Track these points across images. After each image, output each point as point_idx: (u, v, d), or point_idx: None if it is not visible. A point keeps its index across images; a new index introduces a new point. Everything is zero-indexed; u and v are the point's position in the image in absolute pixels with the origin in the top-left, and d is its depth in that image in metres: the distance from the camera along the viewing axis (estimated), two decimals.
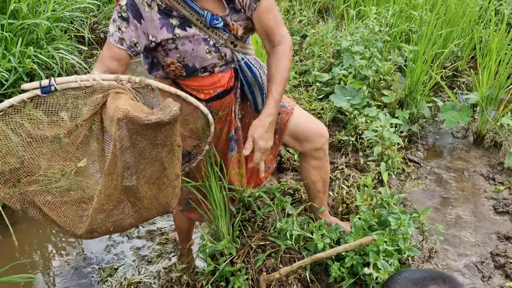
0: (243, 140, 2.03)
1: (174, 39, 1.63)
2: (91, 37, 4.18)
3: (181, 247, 2.51)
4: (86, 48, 3.82)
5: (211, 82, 1.79)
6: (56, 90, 1.25)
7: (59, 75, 3.35)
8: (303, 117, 2.06)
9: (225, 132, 2.02)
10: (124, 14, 1.53)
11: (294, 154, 2.86)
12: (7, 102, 1.21)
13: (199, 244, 2.21)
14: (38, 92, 1.23)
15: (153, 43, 1.61)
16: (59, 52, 3.19)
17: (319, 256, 1.82)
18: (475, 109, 3.47)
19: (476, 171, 3.00)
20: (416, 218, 2.10)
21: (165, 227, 2.69)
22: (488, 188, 2.86)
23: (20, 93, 1.25)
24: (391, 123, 2.88)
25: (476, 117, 3.39)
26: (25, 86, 1.23)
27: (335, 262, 2.03)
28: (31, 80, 3.05)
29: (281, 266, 2.07)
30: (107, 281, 2.36)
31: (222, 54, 1.75)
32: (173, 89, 1.45)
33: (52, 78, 1.26)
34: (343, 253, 2.00)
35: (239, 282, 2.04)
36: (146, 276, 2.39)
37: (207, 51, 1.70)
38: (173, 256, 2.51)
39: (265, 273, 2.04)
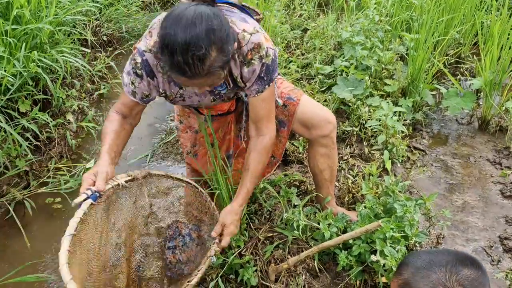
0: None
1: (182, 94, 1.78)
2: (94, 39, 4.21)
3: None
4: (89, 51, 3.85)
5: (212, 107, 1.97)
6: (100, 195, 1.56)
7: (64, 78, 3.39)
8: (310, 105, 2.10)
9: (224, 150, 2.10)
10: (138, 71, 1.64)
11: (299, 147, 2.88)
12: (81, 212, 1.52)
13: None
14: (91, 201, 1.53)
15: (163, 95, 1.77)
16: (63, 56, 3.22)
17: (326, 245, 1.83)
18: (479, 94, 3.46)
19: (482, 157, 2.99)
20: (422, 204, 2.11)
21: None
22: (494, 172, 2.85)
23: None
24: (394, 112, 2.88)
25: (480, 103, 3.38)
26: (76, 200, 1.53)
27: (343, 251, 2.04)
28: (36, 85, 3.09)
29: (289, 256, 2.09)
30: (118, 278, 2.39)
31: (226, 98, 1.87)
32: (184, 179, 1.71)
33: (93, 187, 1.55)
34: (350, 242, 2.01)
35: (248, 273, 2.06)
36: (156, 272, 2.41)
37: (212, 100, 1.85)
38: None
39: (273, 264, 2.06)
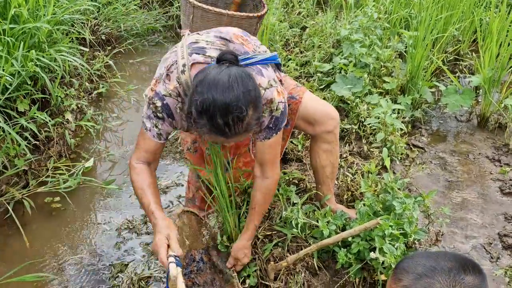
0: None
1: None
2: (93, 38, 4.21)
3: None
4: (88, 50, 3.85)
5: None
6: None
7: (62, 77, 3.39)
8: (313, 101, 2.12)
9: (229, 153, 2.11)
10: (159, 114, 1.69)
11: (298, 145, 2.88)
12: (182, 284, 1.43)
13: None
14: (180, 268, 1.46)
15: (182, 129, 1.82)
16: (62, 55, 3.22)
17: (325, 243, 1.83)
18: (478, 92, 3.46)
19: (481, 154, 2.99)
20: (421, 201, 2.11)
21: None
22: (493, 170, 2.85)
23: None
24: (393, 109, 2.88)
25: (479, 100, 3.38)
26: (172, 273, 1.43)
27: (342, 249, 2.04)
28: (35, 84, 3.08)
29: (288, 254, 2.09)
30: (117, 277, 2.39)
31: None
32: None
33: (172, 253, 1.50)
34: (349, 239, 2.01)
35: (247, 272, 2.07)
36: (156, 270, 2.42)
37: None
38: None
39: (272, 262, 2.07)
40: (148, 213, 1.70)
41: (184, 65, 1.66)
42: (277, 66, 1.89)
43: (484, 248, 2.33)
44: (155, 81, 1.72)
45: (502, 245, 2.34)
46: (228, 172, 2.11)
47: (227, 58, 1.50)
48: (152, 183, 1.78)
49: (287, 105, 1.80)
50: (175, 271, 1.42)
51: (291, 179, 2.62)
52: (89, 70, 3.68)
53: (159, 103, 1.67)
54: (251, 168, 2.15)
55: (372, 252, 1.91)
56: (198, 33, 1.81)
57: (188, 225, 2.00)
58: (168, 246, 1.52)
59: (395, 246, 1.94)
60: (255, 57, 1.70)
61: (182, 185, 3.00)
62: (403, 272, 1.01)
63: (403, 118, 3.09)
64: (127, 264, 2.46)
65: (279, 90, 1.74)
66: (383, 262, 1.93)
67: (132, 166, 1.80)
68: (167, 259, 1.46)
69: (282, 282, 2.07)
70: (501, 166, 2.87)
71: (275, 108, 1.72)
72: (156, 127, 1.72)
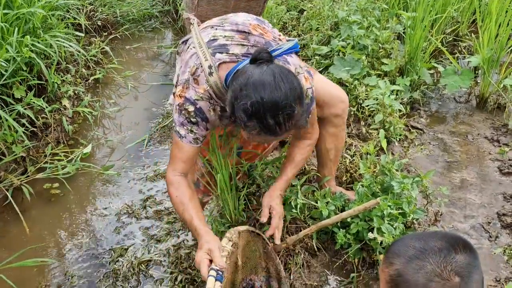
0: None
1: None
2: (88, 24, 4.17)
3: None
4: (83, 36, 3.81)
5: None
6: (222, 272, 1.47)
7: (58, 63, 3.36)
8: (323, 83, 2.08)
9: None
10: (193, 119, 1.67)
11: None
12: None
13: (209, 219, 2.24)
14: (219, 283, 1.43)
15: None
16: (57, 41, 3.19)
17: (324, 223, 1.84)
18: (476, 72, 3.43)
19: (480, 134, 2.98)
20: (419, 182, 2.11)
21: (172, 207, 2.72)
22: (492, 150, 2.85)
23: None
24: (392, 90, 2.86)
25: (478, 81, 3.36)
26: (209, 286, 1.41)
27: (341, 229, 2.05)
28: (31, 70, 3.06)
29: (287, 236, 2.09)
30: (118, 261, 2.40)
31: None
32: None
33: (214, 266, 1.47)
34: (348, 220, 2.01)
35: None
36: (155, 254, 2.43)
37: None
38: (181, 234, 2.54)
39: (272, 243, 2.07)
40: (191, 228, 1.68)
41: (210, 67, 1.62)
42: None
43: (483, 228, 2.34)
44: (181, 87, 1.67)
45: (501, 224, 2.35)
46: (232, 158, 2.09)
47: (264, 57, 1.47)
48: (193, 196, 1.75)
49: (314, 89, 1.78)
50: (211, 284, 1.42)
51: None
52: (85, 56, 3.65)
53: (191, 108, 1.65)
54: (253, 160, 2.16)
55: (371, 232, 1.91)
56: (211, 26, 1.75)
57: (250, 247, 1.87)
58: (211, 261, 1.51)
59: (394, 226, 1.94)
60: (280, 48, 1.67)
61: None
62: (394, 256, 1.02)
63: (402, 99, 3.08)
64: (127, 248, 2.47)
65: (306, 76, 1.73)
66: (381, 242, 1.94)
67: (170, 180, 1.76)
68: (208, 272, 1.46)
69: (282, 263, 2.07)
70: (500, 146, 2.86)
71: (305, 95, 1.69)
72: (192, 132, 1.69)
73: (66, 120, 3.17)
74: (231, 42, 1.66)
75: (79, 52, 3.50)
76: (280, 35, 1.84)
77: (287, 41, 1.80)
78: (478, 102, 3.24)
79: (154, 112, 3.57)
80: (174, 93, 1.83)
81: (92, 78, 3.70)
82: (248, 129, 1.47)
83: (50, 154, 2.96)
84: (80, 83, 3.60)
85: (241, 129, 1.52)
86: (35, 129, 3.03)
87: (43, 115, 3.07)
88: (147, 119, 3.50)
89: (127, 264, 2.37)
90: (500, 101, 3.18)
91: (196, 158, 1.86)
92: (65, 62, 3.46)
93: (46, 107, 3.00)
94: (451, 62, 3.35)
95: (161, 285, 2.28)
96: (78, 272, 2.37)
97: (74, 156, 3.00)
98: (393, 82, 3.16)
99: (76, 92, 3.43)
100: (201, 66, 1.63)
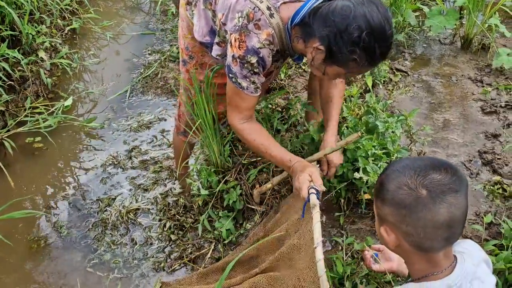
0: None
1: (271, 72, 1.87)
2: None
3: (178, 173, 2.52)
4: None
5: None
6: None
7: (32, 14, 3.23)
8: None
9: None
10: (256, 70, 1.60)
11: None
12: (318, 214, 1.45)
13: (194, 166, 2.24)
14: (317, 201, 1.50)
15: None
16: None
17: (309, 160, 1.84)
18: (462, 13, 3.39)
19: (464, 75, 2.98)
20: (404, 121, 2.11)
21: (158, 156, 2.71)
22: (476, 90, 2.86)
23: None
24: None
25: (463, 22, 3.32)
26: (315, 202, 1.49)
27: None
28: (3, 21, 2.94)
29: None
30: (106, 211, 2.42)
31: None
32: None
33: (313, 188, 1.54)
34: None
35: (233, 197, 2.09)
36: (143, 203, 2.45)
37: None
38: (168, 182, 2.55)
39: (258, 186, 2.09)
40: (282, 162, 1.69)
41: (269, 8, 1.53)
42: None
43: (465, 165, 2.38)
44: (238, 35, 1.55)
45: (482, 162, 2.40)
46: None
47: None
48: (268, 135, 1.76)
49: None
50: (315, 199, 1.49)
51: (274, 107, 2.60)
52: (59, 5, 3.50)
53: (254, 59, 1.57)
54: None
55: (356, 172, 1.93)
56: None
57: None
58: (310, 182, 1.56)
59: (378, 166, 1.96)
60: None
61: (165, 120, 2.98)
62: (387, 168, 1.10)
63: None
64: (115, 198, 2.48)
65: None
66: (367, 182, 1.96)
67: (239, 128, 1.74)
68: (308, 191, 1.52)
69: (268, 206, 2.11)
70: (483, 86, 2.87)
71: None
72: (253, 83, 1.64)
73: (45, 73, 3.08)
74: None
75: (53, 1, 3.36)
76: None
77: None
78: (462, 43, 3.22)
79: (135, 63, 3.49)
80: (218, 43, 1.73)
81: (68, 28, 3.57)
82: (352, 65, 1.45)
83: (30, 108, 2.90)
84: (56, 34, 3.47)
85: (335, 66, 1.49)
86: (12, 82, 2.95)
87: (20, 68, 2.97)
88: (128, 70, 3.42)
89: (115, 213, 2.38)
90: (485, 42, 3.16)
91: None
92: (38, 12, 3.31)
93: (22, 59, 2.90)
94: (436, 3, 3.29)
95: (150, 231, 2.31)
96: (66, 223, 2.39)
97: (55, 109, 2.94)
98: None
99: (52, 43, 3.32)
100: (258, 9, 1.52)
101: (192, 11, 1.80)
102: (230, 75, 1.64)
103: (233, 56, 1.58)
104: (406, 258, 1.13)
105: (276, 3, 1.54)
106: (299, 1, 1.55)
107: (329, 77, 1.61)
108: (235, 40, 1.56)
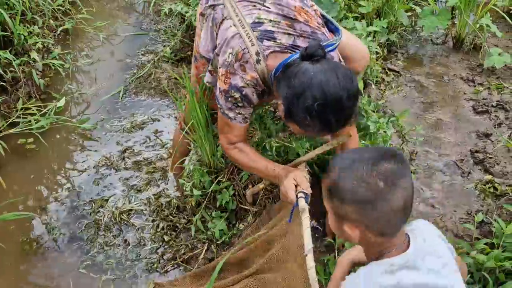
0: None
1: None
2: None
3: (173, 172, 2.51)
4: None
5: None
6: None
7: (24, 14, 3.22)
8: (347, 34, 1.95)
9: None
10: (240, 104, 1.63)
11: None
12: (306, 220, 1.47)
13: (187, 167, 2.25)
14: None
15: None
16: None
17: (299, 160, 1.84)
18: (454, 12, 3.40)
19: (456, 75, 3.00)
20: (395, 121, 2.13)
21: (151, 157, 2.71)
22: (467, 90, 2.88)
23: None
24: (369, 32, 2.83)
25: (455, 22, 3.34)
26: (303, 206, 1.51)
27: (318, 168, 2.06)
28: None
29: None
30: (99, 212, 2.41)
31: None
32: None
33: (301, 192, 1.57)
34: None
35: (226, 198, 2.10)
36: (136, 204, 2.45)
37: None
38: (161, 183, 2.55)
39: (250, 186, 2.09)
40: (267, 172, 1.71)
41: (258, 54, 1.54)
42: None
43: (456, 165, 2.40)
44: (225, 72, 1.59)
45: (473, 161, 2.41)
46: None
47: (319, 54, 1.41)
48: (255, 152, 1.79)
49: None
50: (303, 204, 1.51)
51: (267, 108, 2.60)
52: (51, 6, 3.49)
53: (237, 95, 1.60)
54: None
55: None
56: (251, 3, 1.62)
57: None
58: (296, 186, 1.59)
59: None
60: (332, 44, 1.60)
61: (159, 120, 2.97)
62: (331, 168, 1.10)
63: (379, 42, 3.05)
64: (108, 199, 2.47)
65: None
66: None
67: (230, 153, 1.78)
68: (296, 195, 1.55)
69: (260, 206, 2.11)
70: (475, 86, 2.89)
71: None
72: (240, 114, 1.67)
73: (37, 74, 3.07)
74: (278, 30, 1.57)
75: (45, 1, 3.34)
76: (319, 19, 1.73)
77: (329, 31, 1.73)
78: (454, 43, 3.24)
79: (128, 64, 3.48)
80: (210, 71, 1.76)
81: (60, 29, 3.55)
82: (307, 128, 1.45)
83: (22, 109, 2.89)
84: (49, 35, 3.45)
85: (294, 125, 1.49)
86: (4, 83, 2.93)
87: (12, 69, 2.95)
88: (122, 70, 3.41)
89: (108, 215, 2.38)
90: (476, 42, 3.18)
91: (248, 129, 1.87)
92: (30, 13, 3.30)
93: (14, 60, 2.89)
94: (429, 3, 3.31)
95: (143, 232, 2.31)
96: (58, 224, 2.38)
97: (48, 110, 2.93)
98: (370, 24, 3.11)
99: (45, 44, 3.30)
100: (248, 52, 1.54)
101: (203, 24, 1.80)
102: (218, 105, 1.68)
103: (219, 89, 1.64)
104: (366, 246, 1.16)
105: (266, 50, 1.54)
106: (288, 52, 1.56)
107: (295, 132, 1.64)
108: (221, 75, 1.61)
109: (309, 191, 1.57)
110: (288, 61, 1.49)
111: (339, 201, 1.07)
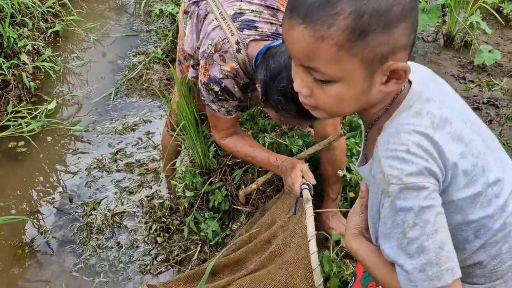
0: None
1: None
2: None
3: (165, 174, 2.50)
4: None
5: None
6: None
7: (13, 17, 3.19)
8: None
9: None
10: (221, 97, 1.61)
11: None
12: (310, 209, 1.48)
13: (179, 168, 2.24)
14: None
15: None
16: None
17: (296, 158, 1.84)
18: (444, 10, 3.42)
19: (447, 72, 3.01)
20: None
21: (143, 159, 2.70)
22: (459, 87, 2.89)
23: None
24: None
25: (446, 20, 3.36)
26: (306, 197, 1.51)
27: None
28: None
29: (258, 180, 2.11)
30: (91, 214, 2.40)
31: None
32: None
33: (305, 184, 1.56)
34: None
35: (218, 198, 2.09)
36: (129, 206, 2.44)
37: None
38: (154, 184, 2.54)
39: (243, 187, 2.08)
40: (269, 164, 1.70)
41: (238, 43, 1.52)
42: None
43: None
44: (204, 63, 1.56)
45: None
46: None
47: None
48: (252, 141, 1.77)
49: None
50: (308, 195, 1.51)
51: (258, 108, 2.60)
52: (41, 8, 3.47)
53: (217, 88, 1.58)
54: None
55: (340, 170, 1.94)
56: None
57: None
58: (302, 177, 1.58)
59: None
60: None
61: (151, 122, 2.96)
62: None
63: None
64: (100, 202, 2.46)
65: None
66: (350, 179, 1.98)
67: (223, 144, 1.77)
68: (301, 187, 1.54)
69: (253, 206, 2.11)
70: (466, 83, 2.91)
71: None
72: (223, 107, 1.65)
73: (27, 77, 3.05)
74: (259, 19, 1.56)
75: (34, 3, 3.32)
76: None
77: None
78: (445, 40, 3.25)
79: (119, 65, 3.46)
80: (192, 66, 1.75)
81: (50, 31, 3.53)
82: (284, 112, 1.39)
83: (12, 112, 2.87)
84: (39, 37, 3.43)
85: (271, 110, 1.45)
86: None
87: (1, 72, 2.93)
88: (113, 72, 3.40)
89: (100, 217, 2.37)
90: (467, 39, 3.20)
91: (238, 122, 1.84)
92: (20, 15, 3.28)
93: (3, 62, 2.87)
94: (419, 1, 3.32)
95: (135, 234, 2.30)
96: (51, 227, 2.36)
97: (38, 113, 2.91)
98: None
99: (35, 46, 3.28)
100: (227, 42, 1.52)
101: (187, 21, 1.79)
102: (202, 98, 1.67)
103: (200, 81, 1.62)
104: (382, 100, 0.85)
105: (246, 38, 1.52)
106: (269, 40, 1.54)
107: (273, 119, 1.60)
108: (201, 67, 1.59)
109: (313, 182, 1.56)
110: (269, 46, 1.47)
111: (383, 29, 0.72)
